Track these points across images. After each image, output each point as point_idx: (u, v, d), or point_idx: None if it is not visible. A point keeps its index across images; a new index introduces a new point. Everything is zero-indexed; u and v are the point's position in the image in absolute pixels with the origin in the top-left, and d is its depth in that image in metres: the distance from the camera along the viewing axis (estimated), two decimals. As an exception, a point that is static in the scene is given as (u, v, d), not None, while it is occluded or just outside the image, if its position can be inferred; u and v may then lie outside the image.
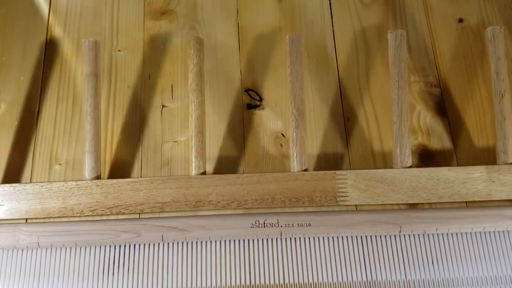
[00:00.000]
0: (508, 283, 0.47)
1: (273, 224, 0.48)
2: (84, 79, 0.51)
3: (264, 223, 0.48)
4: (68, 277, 0.47)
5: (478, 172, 0.47)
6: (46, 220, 0.48)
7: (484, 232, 0.49)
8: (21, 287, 0.47)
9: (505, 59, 0.50)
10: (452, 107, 0.55)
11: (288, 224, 0.48)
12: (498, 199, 0.47)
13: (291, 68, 0.51)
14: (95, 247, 0.49)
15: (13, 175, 0.52)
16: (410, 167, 0.49)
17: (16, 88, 0.56)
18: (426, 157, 0.53)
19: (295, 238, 0.49)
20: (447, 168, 0.48)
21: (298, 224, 0.48)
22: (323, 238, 0.49)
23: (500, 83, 0.49)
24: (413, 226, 0.48)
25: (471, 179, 0.47)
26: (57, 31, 0.59)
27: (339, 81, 0.56)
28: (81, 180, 0.48)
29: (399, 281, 0.47)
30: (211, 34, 0.59)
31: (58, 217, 0.47)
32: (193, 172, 0.49)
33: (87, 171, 0.49)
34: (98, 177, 0.50)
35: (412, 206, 0.49)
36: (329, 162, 0.53)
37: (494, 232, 0.49)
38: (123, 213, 0.47)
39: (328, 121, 0.54)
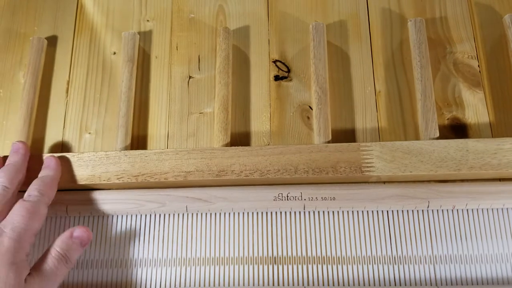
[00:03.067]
0: (542, 263, 0.45)
1: (297, 197, 0.48)
2: (122, 64, 0.54)
3: (288, 196, 0.48)
4: (95, 245, 0.49)
5: (509, 144, 0.45)
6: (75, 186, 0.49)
7: (517, 209, 0.47)
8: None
9: None
10: (490, 80, 0.52)
11: (312, 198, 0.47)
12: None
13: (314, 52, 0.52)
14: (121, 216, 0.50)
15: (43, 143, 0.54)
16: (438, 138, 0.47)
17: (49, 58, 0.57)
18: (460, 131, 0.50)
19: (318, 212, 0.48)
20: (475, 139, 0.46)
21: (322, 198, 0.47)
22: (348, 212, 0.48)
23: None
24: (442, 201, 0.46)
25: (501, 150, 0.45)
26: (88, 2, 0.59)
27: (371, 53, 0.54)
28: (111, 151, 0.49)
29: (425, 257, 0.46)
30: (240, 3, 0.58)
31: (86, 184, 0.48)
32: (217, 145, 0.50)
33: (118, 143, 0.51)
34: (126, 148, 0.51)
35: (442, 182, 0.48)
36: (358, 136, 0.51)
37: (528, 209, 0.46)
38: (148, 181, 0.47)
39: (358, 94, 0.53)
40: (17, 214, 0.42)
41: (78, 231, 0.44)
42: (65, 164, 0.49)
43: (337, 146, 0.48)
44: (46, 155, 0.49)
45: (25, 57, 0.57)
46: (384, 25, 0.55)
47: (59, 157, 0.49)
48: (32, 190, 0.45)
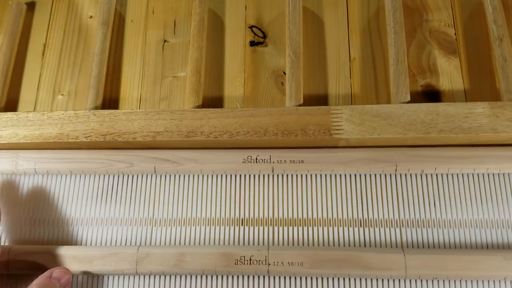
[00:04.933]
0: (510, 227, 0.44)
1: (265, 160, 0.47)
2: (96, 27, 0.54)
3: (257, 159, 0.47)
4: (63, 203, 0.49)
5: (480, 108, 0.44)
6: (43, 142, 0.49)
7: (488, 174, 0.46)
8: (18, 210, 0.49)
9: (501, 8, 0.50)
10: (466, 47, 0.51)
11: (281, 160, 0.47)
12: (505, 133, 0.43)
13: (289, 17, 0.52)
14: (90, 175, 0.50)
15: (18, 103, 0.54)
16: (408, 102, 0.46)
17: (27, 23, 0.57)
18: (434, 97, 0.50)
19: (287, 175, 0.48)
20: (446, 103, 0.45)
21: (290, 161, 0.47)
22: (316, 175, 0.48)
23: (498, 28, 0.49)
24: (410, 164, 0.45)
25: (473, 114, 0.44)
26: (66, -34, 0.59)
27: (347, 20, 0.54)
28: (80, 110, 0.49)
29: (392, 220, 0.45)
30: (217, -31, 0.57)
31: (54, 141, 0.48)
32: (188, 107, 0.50)
33: (88, 103, 0.51)
34: (97, 109, 0.51)
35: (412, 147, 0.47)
36: (330, 102, 0.51)
37: (498, 174, 0.46)
38: (116, 140, 0.47)
39: (332, 61, 0.52)
40: None
41: (57, 272, 0.44)
42: (36, 122, 0.49)
43: (307, 109, 0.47)
44: None
45: (4, 21, 0.57)
46: (361, -8, 0.55)
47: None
48: None
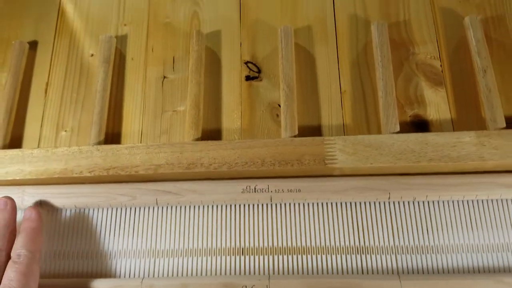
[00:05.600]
0: (500, 251, 0.46)
1: (264, 190, 0.49)
2: (98, 65, 0.56)
3: (255, 189, 0.49)
4: (67, 237, 0.50)
5: (467, 137, 0.47)
6: (48, 178, 0.50)
7: (477, 200, 0.48)
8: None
9: (484, 41, 0.53)
10: (452, 79, 0.54)
11: (278, 190, 0.49)
12: (492, 161, 0.45)
13: (282, 53, 0.55)
14: (93, 209, 0.51)
15: (22, 140, 0.55)
16: (398, 133, 0.49)
17: (30, 61, 0.59)
18: (422, 127, 0.52)
19: (285, 204, 0.50)
20: (435, 133, 0.47)
21: (288, 190, 0.49)
22: (313, 204, 0.49)
23: (482, 60, 0.52)
24: (402, 192, 0.47)
25: (461, 143, 0.47)
26: (68, 6, 0.62)
27: (337, 54, 0.57)
28: (84, 146, 0.51)
29: (387, 247, 0.47)
30: (212, 8, 0.60)
31: (59, 177, 0.49)
32: (188, 140, 0.52)
33: (91, 139, 0.53)
34: (100, 144, 0.53)
35: (403, 175, 0.49)
36: (324, 132, 0.53)
37: (487, 200, 0.48)
38: (119, 174, 0.49)
39: (324, 93, 0.55)
40: (14, 279, 0.42)
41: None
42: (40, 158, 0.50)
43: (302, 140, 0.49)
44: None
45: (8, 60, 0.59)
46: (349, 28, 0.58)
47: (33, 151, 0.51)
48: (20, 248, 0.44)
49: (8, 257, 0.44)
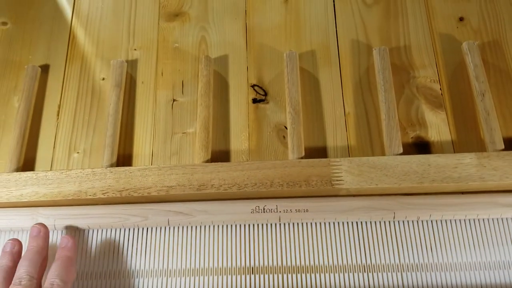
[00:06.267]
0: (501, 269, 0.48)
1: (272, 210, 0.51)
2: (109, 89, 0.58)
3: (264, 209, 0.51)
4: (80, 258, 0.51)
5: (468, 158, 0.49)
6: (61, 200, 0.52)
7: (478, 219, 0.50)
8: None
9: (482, 66, 0.55)
10: (451, 101, 0.56)
11: (287, 210, 0.50)
12: (492, 182, 0.47)
13: (288, 77, 0.57)
14: (106, 229, 0.52)
15: (35, 162, 0.57)
16: (402, 155, 0.51)
17: (42, 84, 0.61)
18: (423, 149, 0.54)
19: (293, 223, 0.51)
20: (437, 154, 0.49)
21: (296, 210, 0.50)
22: (320, 223, 0.51)
23: (480, 84, 0.54)
24: (406, 212, 0.49)
25: (462, 165, 0.49)
26: (79, 32, 0.64)
27: (341, 78, 0.59)
28: (97, 168, 0.52)
29: (393, 265, 0.49)
30: (220, 33, 0.62)
31: (73, 198, 0.51)
32: (198, 161, 0.53)
33: (104, 161, 0.54)
34: (112, 166, 0.54)
35: (407, 195, 0.51)
36: (329, 153, 0.55)
37: (488, 219, 0.50)
38: (132, 195, 0.50)
39: (329, 115, 0.57)
40: None
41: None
42: (54, 180, 0.52)
43: (309, 162, 0.51)
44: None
45: (20, 84, 0.61)
46: (352, 53, 0.60)
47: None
48: (54, 277, 0.44)
49: (39, 285, 0.45)
